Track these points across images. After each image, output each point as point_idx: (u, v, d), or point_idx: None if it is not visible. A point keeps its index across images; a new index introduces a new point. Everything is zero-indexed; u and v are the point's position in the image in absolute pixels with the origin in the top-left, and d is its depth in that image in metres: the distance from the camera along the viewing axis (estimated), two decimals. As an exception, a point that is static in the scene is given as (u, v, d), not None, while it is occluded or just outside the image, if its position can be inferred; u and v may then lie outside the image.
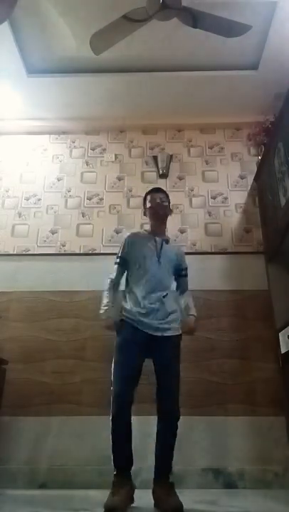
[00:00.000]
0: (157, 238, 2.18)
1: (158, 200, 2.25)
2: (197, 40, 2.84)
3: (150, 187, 3.31)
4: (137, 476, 2.21)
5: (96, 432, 2.56)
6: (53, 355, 2.79)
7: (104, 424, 2.54)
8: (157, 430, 1.93)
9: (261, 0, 2.65)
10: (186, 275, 2.25)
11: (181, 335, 2.05)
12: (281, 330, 2.59)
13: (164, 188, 3.34)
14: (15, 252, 3.17)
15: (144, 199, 2.33)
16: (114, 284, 2.15)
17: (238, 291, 2.96)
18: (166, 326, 1.98)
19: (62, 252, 3.17)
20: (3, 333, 2.85)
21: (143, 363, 1.97)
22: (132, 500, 1.80)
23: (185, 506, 1.70)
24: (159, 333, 1.96)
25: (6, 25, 2.70)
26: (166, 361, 1.97)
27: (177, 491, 2.24)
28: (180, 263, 2.22)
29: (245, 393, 2.65)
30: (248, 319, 2.87)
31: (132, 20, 2.43)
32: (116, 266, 2.18)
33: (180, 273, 2.22)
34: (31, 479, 2.44)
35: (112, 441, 1.87)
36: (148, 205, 2.27)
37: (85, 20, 2.74)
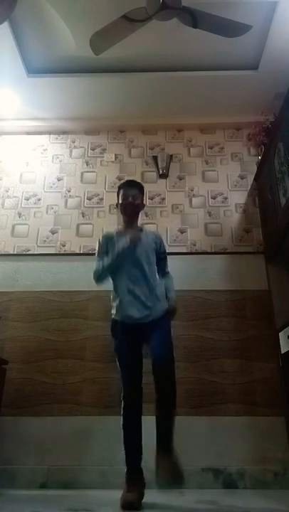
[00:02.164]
0: (130, 231, 2.19)
1: (130, 199, 2.21)
2: (197, 40, 2.84)
3: (150, 187, 3.38)
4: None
5: (96, 431, 2.56)
6: (53, 355, 2.79)
7: (104, 424, 2.56)
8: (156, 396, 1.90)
9: (261, 0, 2.65)
10: (165, 258, 2.29)
11: (165, 315, 2.09)
12: (281, 330, 2.59)
13: (164, 188, 3.39)
14: (15, 252, 3.17)
15: (118, 193, 2.28)
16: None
17: (238, 291, 2.96)
18: (149, 314, 2.03)
19: (62, 252, 3.17)
20: (3, 333, 2.85)
21: (142, 353, 2.03)
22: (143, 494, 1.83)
23: (185, 506, 1.70)
24: (145, 321, 2.02)
25: (6, 25, 2.70)
26: (156, 336, 2.00)
27: (177, 490, 2.25)
28: (158, 247, 2.24)
29: (245, 393, 2.65)
30: (248, 319, 2.87)
31: (132, 20, 2.43)
32: (96, 263, 2.17)
33: (160, 256, 2.25)
34: (31, 479, 2.44)
35: (124, 433, 1.91)
36: (120, 201, 2.24)
37: (85, 20, 2.74)
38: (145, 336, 2.01)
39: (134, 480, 1.83)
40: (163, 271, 2.28)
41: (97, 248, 2.23)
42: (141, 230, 2.25)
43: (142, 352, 2.04)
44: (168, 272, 2.31)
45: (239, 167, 3.48)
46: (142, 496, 1.79)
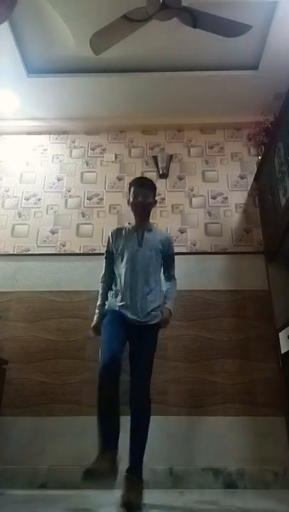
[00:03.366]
0: (140, 230, 2.21)
1: (140, 199, 2.20)
2: (197, 40, 2.84)
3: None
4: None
5: (96, 431, 2.56)
6: (53, 355, 2.79)
7: (104, 424, 2.55)
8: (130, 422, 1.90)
9: (261, 0, 2.65)
10: (172, 261, 2.28)
11: (159, 323, 2.09)
12: (281, 330, 2.59)
13: (164, 188, 3.39)
14: (15, 252, 3.17)
15: (129, 189, 2.29)
16: (105, 282, 2.23)
17: (238, 291, 2.96)
18: (144, 319, 2.03)
19: (62, 252, 3.17)
20: (3, 333, 2.85)
21: (126, 337, 2.00)
22: (115, 469, 1.72)
23: (185, 506, 1.69)
24: (137, 324, 2.01)
25: (6, 25, 2.70)
26: (139, 348, 2.01)
27: (177, 490, 2.25)
28: (165, 249, 2.22)
29: (245, 393, 2.65)
30: (248, 319, 2.87)
31: (132, 20, 2.43)
32: (104, 261, 2.26)
33: (166, 259, 2.24)
34: (31, 479, 2.44)
35: (100, 413, 1.82)
36: (131, 199, 2.23)
37: (85, 20, 2.74)
38: (132, 334, 2.00)
39: (105, 454, 1.71)
40: (168, 274, 2.27)
41: (107, 243, 2.28)
42: (150, 230, 2.24)
43: (126, 334, 1.99)
44: (173, 277, 2.29)
45: (239, 167, 3.48)
46: (141, 495, 1.75)
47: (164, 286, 2.24)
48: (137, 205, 2.21)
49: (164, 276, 2.26)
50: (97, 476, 1.60)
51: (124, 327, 2.00)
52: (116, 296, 2.09)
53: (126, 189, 3.38)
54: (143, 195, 2.21)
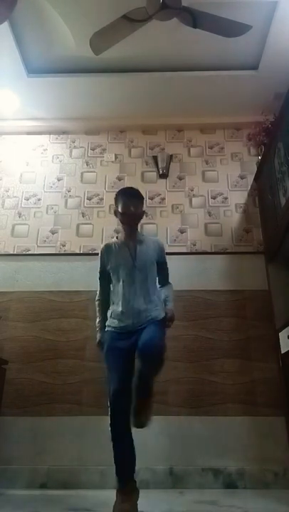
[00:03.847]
0: (131, 243, 2.11)
1: (132, 209, 2.09)
2: (197, 40, 2.84)
3: (150, 187, 3.38)
4: (137, 476, 2.21)
5: (96, 431, 2.56)
6: (53, 355, 2.79)
7: (104, 424, 2.55)
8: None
9: (261, 0, 2.65)
10: (165, 268, 2.22)
11: (159, 319, 1.99)
12: (281, 330, 2.59)
13: (164, 188, 3.39)
14: (15, 252, 3.17)
15: (116, 199, 2.16)
16: (102, 300, 2.14)
17: (238, 291, 2.96)
18: (143, 321, 1.95)
19: (63, 252, 3.17)
20: (3, 333, 2.85)
21: (134, 361, 1.92)
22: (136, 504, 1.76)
23: (185, 506, 1.70)
24: (135, 328, 1.94)
25: (6, 25, 2.70)
26: (144, 329, 1.92)
27: (177, 490, 2.25)
28: (159, 258, 2.16)
29: (245, 393, 2.65)
30: (248, 319, 2.87)
31: (132, 20, 2.43)
32: (99, 281, 2.16)
33: (160, 266, 2.17)
34: (31, 479, 2.44)
35: (114, 444, 1.83)
36: (120, 210, 2.11)
37: (85, 20, 2.74)
38: (136, 340, 1.91)
39: (127, 491, 1.76)
40: (164, 281, 2.21)
41: (99, 263, 2.16)
42: (141, 241, 2.14)
43: (133, 357, 1.91)
44: (169, 282, 2.23)
45: (239, 167, 3.48)
46: (136, 505, 1.74)
47: (161, 292, 2.15)
48: (128, 215, 2.12)
49: (160, 284, 2.18)
50: None
51: (129, 354, 1.91)
52: (116, 317, 2.01)
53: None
54: (134, 205, 2.11)
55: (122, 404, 1.81)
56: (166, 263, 2.23)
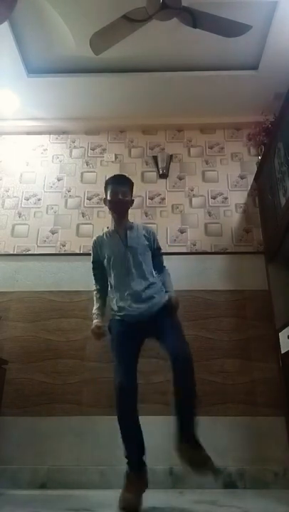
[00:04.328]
0: (121, 230, 2.15)
1: (120, 196, 2.14)
2: (197, 40, 2.84)
3: (150, 187, 3.38)
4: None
5: (96, 431, 2.56)
6: (53, 355, 2.79)
7: (104, 424, 2.56)
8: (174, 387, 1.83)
9: (261, 0, 2.65)
10: (160, 254, 2.23)
11: (165, 305, 2.02)
12: (281, 330, 2.59)
13: (164, 188, 3.39)
14: (15, 252, 3.17)
15: (105, 188, 2.20)
16: (99, 290, 2.18)
17: (238, 291, 2.96)
18: (148, 309, 1.98)
19: (63, 252, 3.17)
20: (3, 333, 2.85)
21: (140, 348, 1.98)
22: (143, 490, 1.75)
23: (185, 506, 1.70)
24: (142, 318, 1.96)
25: (6, 25, 2.70)
26: (160, 326, 1.95)
27: (177, 490, 2.25)
28: (151, 243, 2.18)
29: (245, 393, 2.65)
30: (248, 319, 2.87)
31: (132, 20, 2.43)
32: (92, 272, 2.21)
33: (154, 253, 2.19)
34: (31, 479, 2.44)
35: (121, 424, 1.82)
36: (108, 197, 2.16)
37: (85, 20, 2.74)
38: (148, 332, 1.96)
39: (135, 476, 1.76)
40: (159, 267, 2.21)
41: (92, 255, 2.21)
42: (131, 227, 2.18)
43: (139, 346, 1.98)
44: (164, 267, 2.25)
45: (239, 167, 3.48)
46: (140, 496, 1.72)
47: (159, 277, 2.17)
48: (116, 203, 2.15)
49: (156, 271, 2.18)
50: (134, 507, 1.65)
51: (134, 339, 1.96)
52: (120, 306, 2.02)
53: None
54: (122, 193, 2.15)
55: (132, 394, 1.83)
56: (159, 249, 2.24)
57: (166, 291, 2.11)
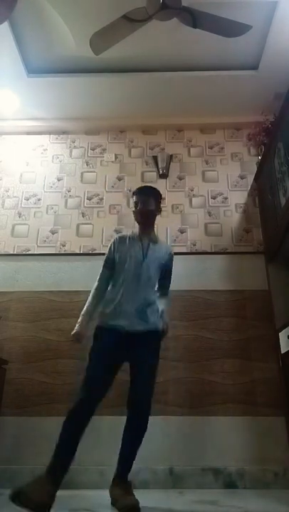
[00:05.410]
0: (144, 240, 2.13)
1: (140, 206, 2.14)
2: (197, 40, 2.84)
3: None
4: (138, 476, 2.22)
5: (96, 431, 2.56)
6: (53, 355, 2.79)
7: (104, 424, 2.55)
8: (125, 426, 1.89)
9: (261, 0, 2.65)
10: (169, 277, 2.19)
11: (158, 332, 1.99)
12: (281, 330, 2.59)
13: (164, 188, 3.39)
14: (15, 252, 3.17)
15: (133, 197, 2.22)
16: (98, 289, 2.09)
17: (238, 291, 2.96)
18: (140, 324, 1.94)
19: (63, 252, 3.17)
20: (3, 333, 2.85)
21: (118, 368, 1.93)
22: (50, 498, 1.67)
23: (185, 506, 1.69)
24: (132, 329, 1.92)
25: (6, 25, 2.70)
26: (141, 356, 1.92)
27: (177, 490, 2.25)
28: (167, 263, 2.15)
29: (245, 393, 2.65)
30: (248, 319, 2.87)
31: (132, 20, 2.43)
32: (102, 269, 2.12)
33: (164, 274, 2.15)
34: (31, 479, 2.43)
35: (62, 441, 1.83)
36: (134, 208, 2.18)
37: (85, 20, 2.74)
38: (131, 353, 1.91)
39: (47, 481, 1.72)
40: (164, 289, 2.17)
41: (108, 250, 2.16)
42: (155, 242, 2.16)
43: (118, 366, 1.92)
44: (168, 292, 2.20)
45: (239, 167, 3.48)
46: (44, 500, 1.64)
47: (159, 301, 2.10)
48: (138, 213, 2.15)
49: (160, 290, 2.14)
50: (25, 502, 1.56)
51: (115, 357, 1.91)
52: (109, 306, 1.98)
53: (126, 189, 3.40)
54: (144, 202, 2.14)
55: (88, 411, 1.85)
56: (171, 271, 2.21)
57: (162, 315, 2.05)
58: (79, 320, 2.05)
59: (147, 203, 2.15)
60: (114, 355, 1.91)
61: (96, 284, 2.11)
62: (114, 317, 1.95)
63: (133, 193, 2.23)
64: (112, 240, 2.18)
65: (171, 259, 2.18)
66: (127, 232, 2.30)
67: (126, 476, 1.86)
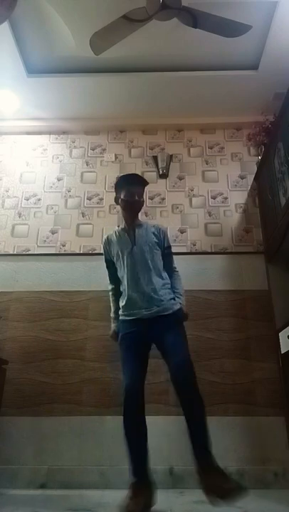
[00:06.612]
0: (130, 228, 2.15)
1: (136, 197, 2.14)
2: (197, 40, 2.84)
3: (150, 187, 3.33)
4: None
5: (96, 431, 2.56)
6: (53, 355, 2.79)
7: (104, 424, 2.56)
8: (182, 408, 1.85)
9: (261, 0, 2.65)
10: (169, 253, 2.20)
11: (174, 312, 2.00)
12: (281, 330, 2.59)
13: (164, 188, 3.39)
14: (15, 252, 3.17)
15: (119, 186, 2.18)
16: (113, 290, 2.21)
17: (238, 291, 2.96)
18: (153, 308, 1.97)
19: (63, 252, 3.17)
20: (3, 333, 2.85)
21: (148, 352, 1.98)
22: (150, 502, 1.70)
23: (185, 506, 1.69)
24: (147, 315, 1.96)
25: (6, 25, 2.70)
26: (164, 332, 1.93)
27: (177, 490, 2.24)
28: (160, 241, 2.15)
29: (245, 393, 2.65)
30: (248, 319, 2.87)
31: (132, 20, 2.43)
32: (107, 271, 2.23)
33: (163, 251, 2.16)
34: (31, 479, 2.44)
35: (127, 440, 1.82)
36: (122, 197, 2.14)
37: (85, 20, 2.74)
38: (153, 336, 1.95)
39: (140, 486, 1.73)
40: (169, 268, 2.17)
41: (103, 254, 2.25)
42: (140, 225, 2.18)
43: (146, 350, 1.98)
44: (175, 270, 2.21)
45: (239, 167, 3.48)
46: (147, 505, 1.66)
47: (170, 281, 2.13)
48: (132, 203, 2.15)
49: (166, 273, 2.15)
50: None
51: (141, 342, 1.96)
52: (126, 305, 2.04)
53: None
54: (138, 193, 2.15)
55: (135, 398, 1.83)
56: (169, 247, 2.21)
57: (176, 297, 2.07)
58: (112, 322, 2.19)
59: (140, 194, 2.17)
60: (138, 343, 1.96)
61: (109, 285, 2.24)
62: (127, 309, 2.03)
63: (119, 181, 2.20)
64: (103, 243, 2.25)
65: (162, 236, 2.18)
66: (113, 230, 2.30)
67: (210, 459, 1.77)
